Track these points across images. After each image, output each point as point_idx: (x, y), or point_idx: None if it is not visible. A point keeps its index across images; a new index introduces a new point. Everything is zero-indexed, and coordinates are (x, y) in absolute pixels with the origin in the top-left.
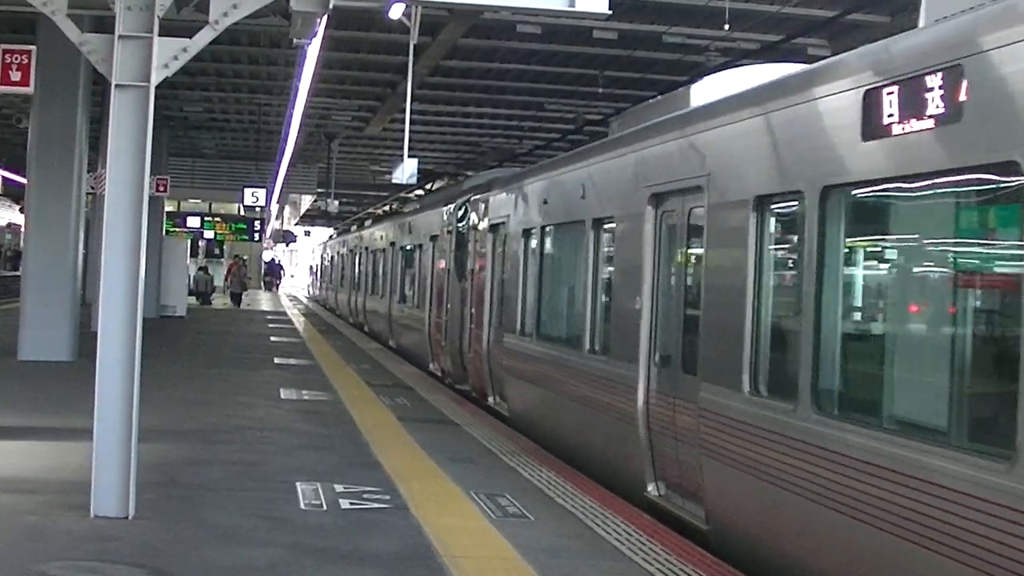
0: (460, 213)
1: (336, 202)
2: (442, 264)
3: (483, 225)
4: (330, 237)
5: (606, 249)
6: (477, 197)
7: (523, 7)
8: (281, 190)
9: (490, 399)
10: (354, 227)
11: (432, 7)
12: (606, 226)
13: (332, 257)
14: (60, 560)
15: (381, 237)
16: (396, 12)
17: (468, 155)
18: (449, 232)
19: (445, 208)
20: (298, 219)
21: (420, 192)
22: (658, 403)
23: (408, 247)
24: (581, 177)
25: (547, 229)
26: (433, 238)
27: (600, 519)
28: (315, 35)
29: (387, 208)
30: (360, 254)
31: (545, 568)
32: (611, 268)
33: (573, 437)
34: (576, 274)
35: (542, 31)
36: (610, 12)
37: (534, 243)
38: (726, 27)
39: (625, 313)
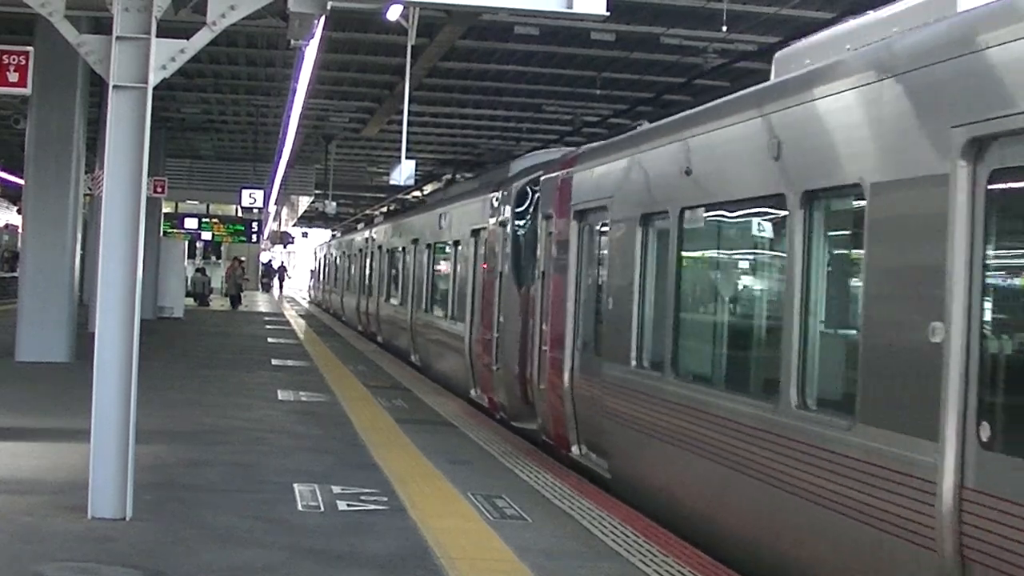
0: (520, 200)
1: (334, 203)
2: (490, 266)
3: (561, 213)
4: (333, 236)
5: (834, 239)
6: (550, 177)
7: (521, 8)
8: (279, 191)
9: (574, 449)
10: (361, 224)
11: (430, 8)
12: (836, 201)
13: (337, 258)
14: (57, 561)
15: (400, 233)
16: (394, 13)
17: (466, 156)
18: (502, 224)
19: (493, 195)
20: (296, 220)
21: (418, 193)
22: (989, 514)
23: (438, 245)
24: (767, 128)
25: (692, 212)
26: (476, 233)
27: (597, 520)
28: (313, 36)
29: (391, 203)
30: (372, 254)
31: (542, 569)
32: (851, 270)
33: (767, 541)
34: (762, 280)
35: (540, 32)
36: (608, 13)
37: (663, 233)
38: (723, 29)
39: (893, 350)
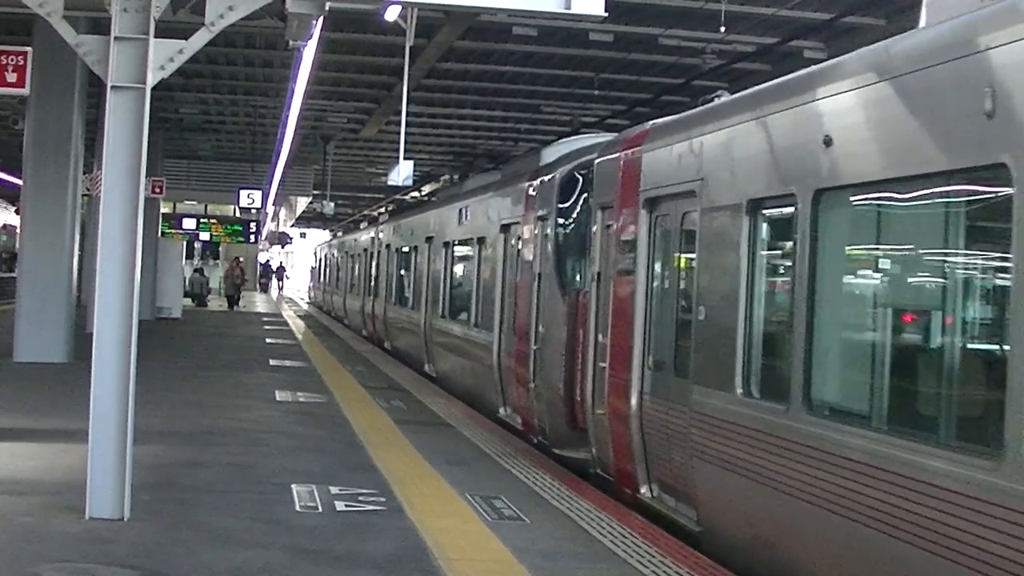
0: (565, 188)
1: (332, 204)
2: (525, 266)
3: (625, 202)
4: (334, 235)
5: None
6: (609, 159)
7: (519, 9)
8: (277, 192)
9: (644, 490)
10: (365, 223)
11: (428, 9)
12: None
13: (339, 257)
14: (55, 562)
15: (412, 231)
16: (392, 14)
17: (464, 157)
18: (541, 218)
19: (529, 185)
20: (294, 221)
21: (416, 194)
22: None
23: (458, 242)
24: (976, 75)
25: (835, 194)
26: (506, 228)
27: (595, 521)
28: (311, 37)
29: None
30: (379, 253)
31: (540, 570)
32: None
33: None
34: (959, 285)
35: (538, 33)
36: (606, 14)
37: (786, 223)
38: (722, 29)
39: None
